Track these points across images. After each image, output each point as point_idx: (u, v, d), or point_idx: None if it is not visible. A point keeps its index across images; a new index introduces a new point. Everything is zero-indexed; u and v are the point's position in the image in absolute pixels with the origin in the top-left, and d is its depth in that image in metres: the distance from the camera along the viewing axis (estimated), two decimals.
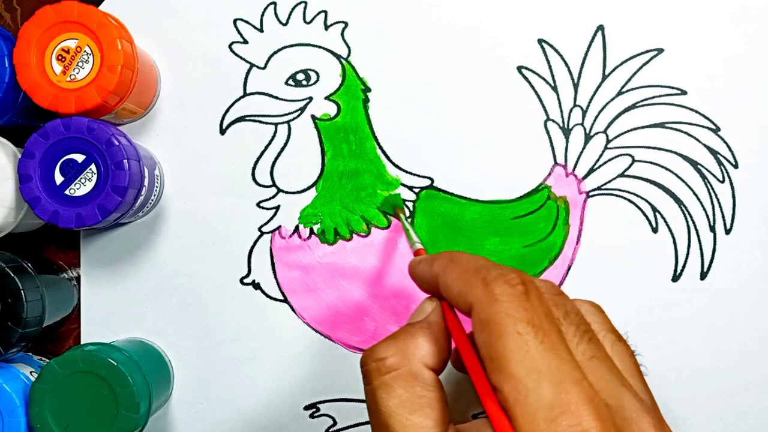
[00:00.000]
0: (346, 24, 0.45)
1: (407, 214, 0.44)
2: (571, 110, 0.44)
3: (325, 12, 0.45)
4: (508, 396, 0.24)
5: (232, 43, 0.45)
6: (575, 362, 0.25)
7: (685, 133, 0.44)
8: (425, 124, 0.45)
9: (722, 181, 0.44)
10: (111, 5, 0.45)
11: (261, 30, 0.45)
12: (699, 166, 0.44)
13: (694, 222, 0.44)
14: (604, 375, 0.26)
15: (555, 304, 0.27)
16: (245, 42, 0.45)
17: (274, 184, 0.45)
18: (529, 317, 0.25)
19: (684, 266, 0.44)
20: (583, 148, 0.44)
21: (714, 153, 0.44)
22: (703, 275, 0.44)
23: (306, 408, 0.45)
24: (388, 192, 0.45)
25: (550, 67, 0.44)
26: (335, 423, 0.45)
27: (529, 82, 0.44)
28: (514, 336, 0.24)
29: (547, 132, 0.44)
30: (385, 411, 0.26)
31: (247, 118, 0.45)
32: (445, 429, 0.26)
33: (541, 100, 0.44)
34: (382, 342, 0.28)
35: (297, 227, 0.45)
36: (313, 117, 0.45)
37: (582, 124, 0.44)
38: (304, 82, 0.45)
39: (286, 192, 0.45)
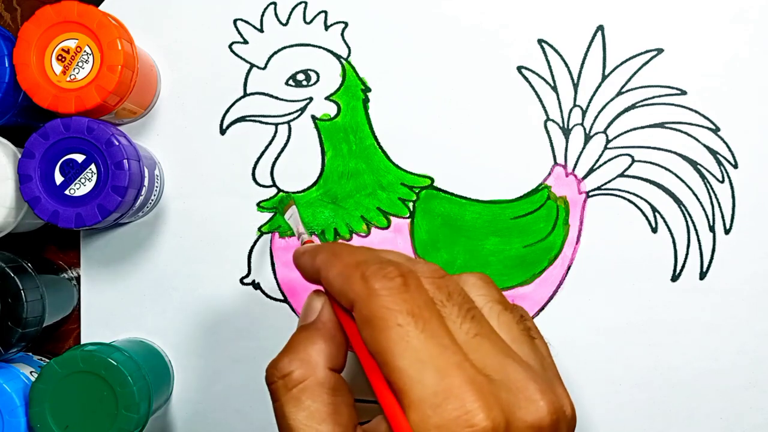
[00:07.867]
0: (346, 24, 0.45)
1: (294, 208, 0.43)
2: (571, 110, 0.44)
3: (325, 12, 0.45)
4: (395, 388, 0.25)
5: (232, 43, 0.45)
6: (456, 346, 0.25)
7: (685, 133, 0.44)
8: (425, 124, 0.45)
9: (722, 181, 0.44)
10: (111, 5, 0.45)
11: (261, 30, 0.45)
12: (699, 166, 0.44)
13: (693, 222, 0.44)
14: (488, 350, 0.26)
15: (438, 287, 0.27)
16: (245, 42, 0.45)
17: (274, 184, 0.45)
18: (408, 308, 0.25)
19: (683, 266, 0.44)
20: (583, 148, 0.44)
21: (714, 153, 0.44)
22: (703, 275, 0.44)
23: None
24: (387, 193, 0.45)
25: (550, 67, 0.44)
26: None
27: (529, 82, 0.44)
28: (395, 329, 0.25)
29: (547, 132, 0.44)
30: (295, 425, 0.27)
31: (248, 118, 0.45)
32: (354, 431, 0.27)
33: (541, 100, 0.44)
34: (283, 356, 0.28)
35: None
36: (313, 117, 0.45)
37: (582, 124, 0.44)
38: (304, 83, 0.45)
39: (286, 192, 0.45)
